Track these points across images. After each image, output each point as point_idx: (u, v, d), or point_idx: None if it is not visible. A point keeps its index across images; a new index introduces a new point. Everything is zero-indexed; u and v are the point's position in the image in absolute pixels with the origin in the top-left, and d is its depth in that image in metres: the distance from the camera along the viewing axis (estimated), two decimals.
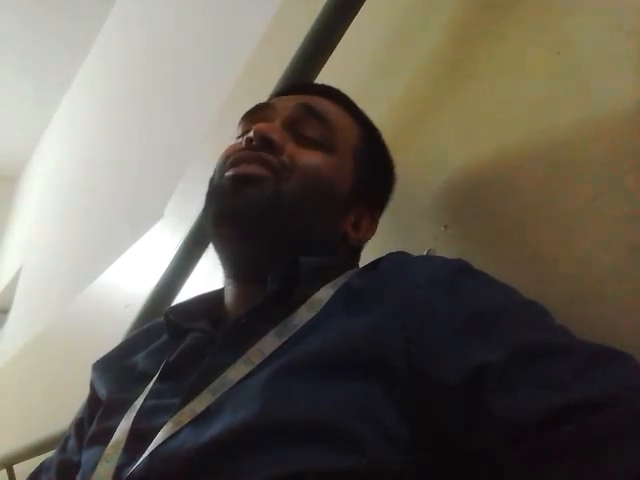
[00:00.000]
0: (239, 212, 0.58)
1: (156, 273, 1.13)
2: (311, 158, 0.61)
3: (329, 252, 0.62)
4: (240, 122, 0.67)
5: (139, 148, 2.31)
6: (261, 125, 0.61)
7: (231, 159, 0.61)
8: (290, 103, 0.65)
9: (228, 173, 0.59)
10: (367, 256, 0.63)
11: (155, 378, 0.58)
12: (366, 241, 0.69)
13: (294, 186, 0.59)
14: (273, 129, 0.61)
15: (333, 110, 0.66)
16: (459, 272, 0.53)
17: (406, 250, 0.62)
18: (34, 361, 2.74)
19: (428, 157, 0.81)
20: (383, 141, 0.73)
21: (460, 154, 0.76)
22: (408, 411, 0.45)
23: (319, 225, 0.62)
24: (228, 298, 0.64)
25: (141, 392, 0.57)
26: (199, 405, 0.49)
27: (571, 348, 0.44)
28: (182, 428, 0.48)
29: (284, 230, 0.59)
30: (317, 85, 0.74)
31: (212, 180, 0.63)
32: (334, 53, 0.89)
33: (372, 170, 0.67)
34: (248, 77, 1.39)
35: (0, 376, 3.20)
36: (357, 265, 0.67)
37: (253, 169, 0.58)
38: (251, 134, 0.60)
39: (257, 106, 0.67)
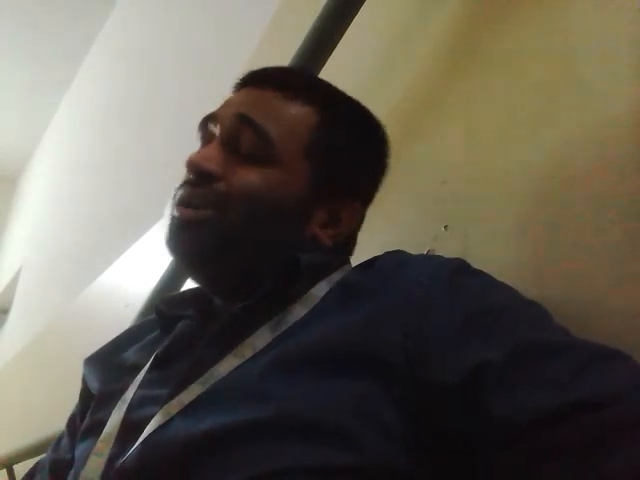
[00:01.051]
0: (187, 255, 0.60)
1: (156, 273, 1.13)
2: (249, 179, 0.58)
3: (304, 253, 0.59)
4: (198, 129, 0.65)
5: (139, 148, 2.31)
6: (194, 157, 0.59)
7: (176, 195, 0.60)
8: (229, 113, 0.61)
9: (173, 212, 0.60)
10: (366, 256, 0.63)
11: (146, 368, 0.58)
12: (351, 232, 0.65)
13: (234, 215, 0.57)
14: (206, 157, 0.59)
15: (277, 109, 0.61)
16: (459, 271, 0.53)
17: (406, 250, 0.62)
18: (34, 361, 2.74)
19: (428, 157, 0.81)
20: (356, 115, 0.66)
21: (460, 154, 0.76)
22: (407, 409, 0.45)
23: (275, 240, 0.60)
24: (217, 298, 0.64)
25: (131, 383, 0.57)
26: (187, 397, 0.49)
27: (570, 348, 0.44)
28: (171, 419, 0.48)
29: (239, 258, 0.59)
30: (265, 74, 0.66)
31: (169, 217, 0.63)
32: (334, 53, 0.89)
33: (338, 158, 0.62)
34: None
35: (0, 376, 3.19)
36: (349, 259, 0.66)
37: (193, 214, 0.58)
38: (185, 165, 0.59)
39: (205, 118, 0.64)
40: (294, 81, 0.65)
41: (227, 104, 0.64)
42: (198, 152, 0.61)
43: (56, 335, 2.52)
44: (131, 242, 1.92)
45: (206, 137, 0.63)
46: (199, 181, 0.59)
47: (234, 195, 0.58)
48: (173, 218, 0.60)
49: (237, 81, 0.67)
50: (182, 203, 0.59)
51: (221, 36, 1.77)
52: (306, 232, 0.61)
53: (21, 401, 2.71)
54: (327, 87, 0.67)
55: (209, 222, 0.57)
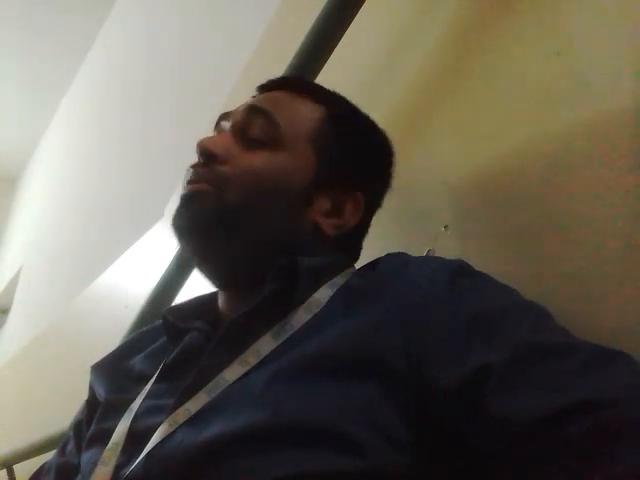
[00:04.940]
0: (186, 228, 0.61)
1: (156, 273, 1.13)
2: (251, 160, 0.61)
3: (307, 246, 0.61)
4: (213, 130, 0.68)
5: (139, 148, 2.31)
6: (203, 140, 0.62)
7: (185, 179, 0.63)
8: (241, 107, 0.66)
9: (180, 193, 0.62)
10: (367, 256, 0.63)
11: (153, 379, 0.58)
12: (354, 228, 0.66)
13: (234, 194, 0.59)
14: (214, 142, 0.62)
15: (285, 102, 0.66)
16: (459, 273, 0.53)
17: (406, 250, 0.62)
18: (34, 361, 2.74)
19: (428, 157, 0.81)
20: (361, 119, 0.70)
21: (460, 154, 0.76)
22: (408, 412, 0.45)
23: (274, 223, 0.61)
24: (222, 303, 0.64)
25: (139, 393, 0.57)
26: (194, 405, 0.49)
27: (571, 349, 0.44)
28: (178, 428, 0.48)
29: (238, 239, 0.60)
30: (278, 79, 0.73)
31: None
32: (334, 53, 0.89)
33: (343, 152, 0.65)
34: (248, 77, 1.39)
35: (0, 376, 3.19)
36: (353, 262, 0.67)
37: (195, 187, 0.61)
38: (197, 148, 0.63)
39: (220, 116, 0.68)
40: (303, 84, 0.71)
41: (239, 106, 0.68)
42: (208, 137, 0.64)
43: (56, 335, 2.52)
44: (131, 242, 1.92)
45: (219, 132, 0.67)
46: (204, 162, 0.62)
47: (235, 175, 0.60)
48: (179, 198, 0.62)
49: (256, 91, 0.72)
50: (188, 182, 0.62)
51: (221, 35, 1.77)
52: (306, 217, 0.62)
53: (21, 401, 2.71)
54: (331, 92, 0.70)
55: (206, 194, 0.60)
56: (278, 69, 0.89)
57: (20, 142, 4.66)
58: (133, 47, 2.79)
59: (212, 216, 0.59)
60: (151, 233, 1.78)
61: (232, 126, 0.64)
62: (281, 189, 0.61)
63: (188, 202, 0.60)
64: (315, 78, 0.88)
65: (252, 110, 0.64)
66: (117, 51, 3.13)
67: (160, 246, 1.63)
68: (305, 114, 0.65)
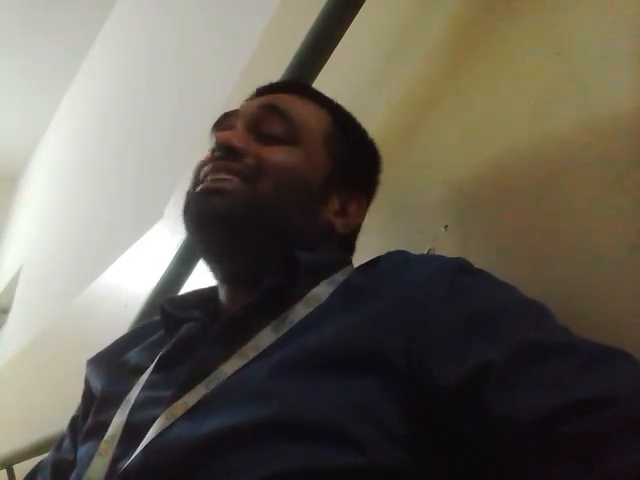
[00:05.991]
0: (214, 222, 0.59)
1: (156, 273, 1.13)
2: (277, 154, 0.61)
3: (318, 245, 0.61)
4: (211, 133, 0.68)
5: (139, 148, 2.31)
6: (221, 134, 0.62)
7: (200, 174, 0.62)
8: (252, 105, 0.66)
9: (198, 188, 0.61)
10: (367, 256, 0.63)
11: (150, 370, 0.58)
12: (356, 227, 0.69)
13: (267, 186, 0.59)
14: (233, 135, 0.62)
15: (296, 103, 0.66)
16: (460, 271, 0.53)
17: (406, 249, 0.62)
18: (34, 361, 2.74)
19: (428, 157, 0.81)
20: (358, 124, 0.72)
21: (460, 154, 0.76)
22: (408, 410, 0.45)
23: (297, 219, 0.62)
24: (222, 297, 0.64)
25: (135, 384, 0.57)
26: (192, 398, 0.49)
27: (572, 348, 0.44)
28: (176, 421, 0.48)
29: (262, 231, 0.60)
30: (280, 83, 0.75)
31: (187, 195, 0.64)
32: (334, 54, 0.89)
33: (349, 153, 0.67)
34: (248, 77, 1.39)
35: (0, 376, 3.19)
36: (351, 259, 0.67)
37: (220, 183, 0.59)
38: (214, 145, 0.62)
39: (223, 115, 0.68)
40: (307, 88, 0.72)
41: (246, 105, 0.68)
42: (224, 132, 0.63)
43: (56, 335, 2.52)
44: (131, 242, 1.92)
45: (224, 129, 0.65)
46: (227, 156, 0.61)
47: (265, 168, 0.60)
48: (195, 194, 0.61)
49: (252, 93, 0.72)
50: (205, 178, 0.61)
51: (221, 36, 1.77)
52: (322, 216, 0.64)
53: (21, 401, 2.71)
54: (328, 97, 0.72)
55: (240, 191, 0.59)
56: (278, 69, 0.89)
57: (20, 141, 4.66)
58: (133, 47, 2.79)
59: (243, 210, 0.58)
60: (151, 233, 1.78)
61: (245, 121, 0.64)
62: (302, 185, 0.62)
63: (216, 196, 0.59)
64: (315, 79, 0.88)
65: (268, 107, 0.64)
66: (117, 51, 3.13)
67: (160, 246, 1.63)
68: (316, 116, 0.67)
